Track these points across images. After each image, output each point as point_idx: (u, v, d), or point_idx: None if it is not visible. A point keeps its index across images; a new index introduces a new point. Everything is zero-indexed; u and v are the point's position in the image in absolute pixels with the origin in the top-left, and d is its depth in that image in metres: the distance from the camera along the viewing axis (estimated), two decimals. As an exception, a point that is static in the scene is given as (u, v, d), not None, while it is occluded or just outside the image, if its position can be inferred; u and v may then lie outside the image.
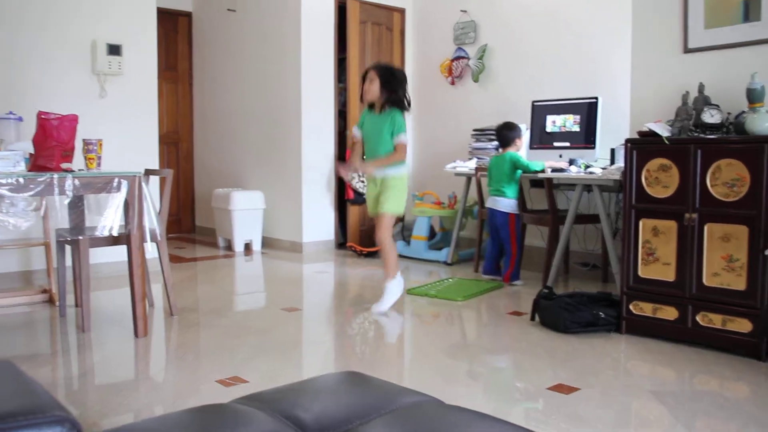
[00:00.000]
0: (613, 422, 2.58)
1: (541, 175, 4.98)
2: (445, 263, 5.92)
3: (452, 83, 6.73)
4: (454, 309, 4.46)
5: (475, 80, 6.49)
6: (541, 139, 5.45)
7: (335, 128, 6.64)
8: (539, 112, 5.59)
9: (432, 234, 6.27)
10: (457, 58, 6.63)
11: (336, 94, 6.63)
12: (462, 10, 6.57)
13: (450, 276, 5.43)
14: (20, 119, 3.87)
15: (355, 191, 6.42)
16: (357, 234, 6.65)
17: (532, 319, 4.01)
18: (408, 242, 6.28)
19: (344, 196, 6.57)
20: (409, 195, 6.98)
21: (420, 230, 6.18)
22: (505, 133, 5.24)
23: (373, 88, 4.22)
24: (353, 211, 6.63)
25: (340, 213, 6.72)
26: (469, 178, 5.85)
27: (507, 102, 6.17)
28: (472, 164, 5.84)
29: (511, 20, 6.20)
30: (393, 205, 4.27)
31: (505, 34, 6.27)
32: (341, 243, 6.72)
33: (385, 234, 4.29)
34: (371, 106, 4.33)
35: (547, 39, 5.92)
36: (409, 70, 7.12)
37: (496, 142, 5.83)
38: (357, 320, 4.29)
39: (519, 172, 5.11)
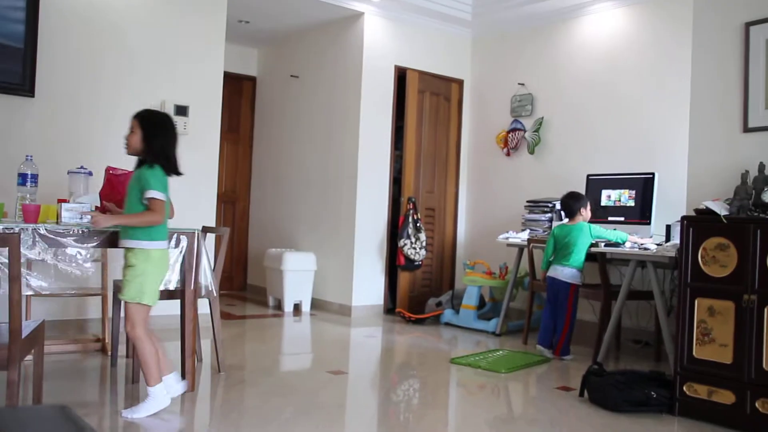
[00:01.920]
0: None
1: (594, 249, 4.92)
2: (494, 334, 5.85)
3: (507, 154, 6.78)
4: (500, 381, 4.38)
5: (531, 152, 6.52)
6: (596, 214, 5.40)
7: (389, 194, 6.72)
8: (594, 185, 5.57)
9: (482, 304, 6.22)
10: (513, 130, 6.69)
11: (392, 160, 6.72)
12: (520, 83, 6.65)
13: (498, 347, 5.36)
14: (90, 173, 4.03)
15: (407, 257, 6.44)
16: (406, 300, 6.64)
17: (581, 395, 3.91)
18: (457, 311, 6.24)
19: (395, 262, 6.59)
20: (459, 264, 7.03)
21: (470, 299, 6.14)
22: (571, 203, 5.12)
23: (134, 140, 3.38)
24: (403, 277, 6.64)
25: (391, 278, 6.73)
26: (521, 249, 5.82)
27: (562, 175, 6.18)
28: (525, 235, 5.82)
29: (569, 93, 6.26)
30: (132, 290, 3.25)
31: (562, 107, 6.32)
32: (390, 308, 6.71)
33: (132, 329, 3.30)
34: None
35: (605, 113, 5.95)
36: (466, 140, 7.21)
37: (549, 215, 5.82)
38: (402, 387, 4.25)
39: (589, 243, 5.00)
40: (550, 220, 5.82)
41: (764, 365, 3.32)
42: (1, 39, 4.91)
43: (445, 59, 7.05)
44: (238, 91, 7.89)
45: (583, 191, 5.57)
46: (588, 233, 4.97)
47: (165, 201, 3.29)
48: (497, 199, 6.88)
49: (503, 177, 6.85)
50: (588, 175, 5.67)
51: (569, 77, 6.27)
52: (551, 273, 5.12)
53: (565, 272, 5.02)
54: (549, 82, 6.45)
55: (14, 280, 2.40)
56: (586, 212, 5.12)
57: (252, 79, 8.07)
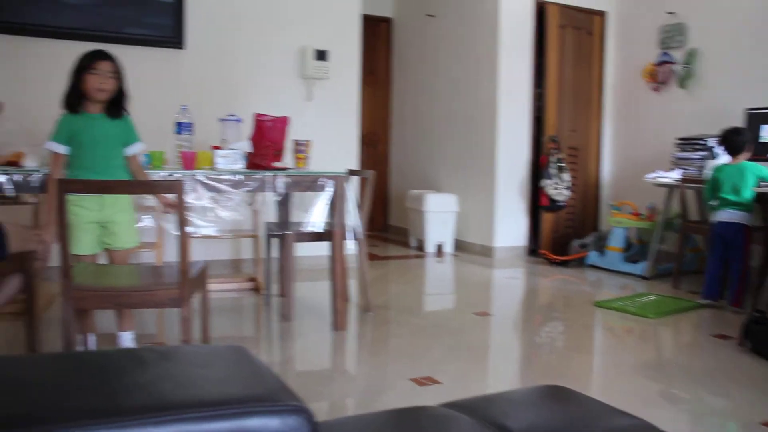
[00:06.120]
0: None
1: (757, 189, 4.58)
2: (642, 277, 5.66)
3: (655, 89, 6.42)
4: (649, 326, 4.24)
5: (682, 86, 6.14)
6: (756, 150, 5.02)
7: (531, 133, 6.56)
8: (754, 120, 5.19)
9: (628, 246, 6.01)
10: (662, 63, 6.31)
11: (533, 99, 6.54)
12: (669, 12, 6.24)
13: (646, 291, 5.19)
14: (239, 120, 4.18)
15: (550, 198, 6.30)
16: (549, 241, 6.53)
17: (741, 344, 3.72)
18: (602, 253, 6.07)
19: (537, 203, 6.47)
20: (604, 204, 6.81)
21: (616, 241, 5.95)
22: (736, 139, 4.67)
23: (114, 85, 3.10)
24: (546, 218, 6.52)
25: (533, 219, 6.63)
26: (671, 189, 5.55)
27: (717, 110, 5.78)
28: (676, 175, 5.53)
29: (725, 21, 5.80)
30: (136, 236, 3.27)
31: (718, 36, 5.88)
32: (532, 250, 6.63)
33: None
34: (76, 107, 3.11)
35: (765, 40, 5.48)
36: (609, 76, 6.89)
37: (703, 152, 5.49)
38: (547, 330, 4.22)
39: (754, 183, 4.58)
40: (703, 159, 5.50)
41: None
42: (153, -6, 5.14)
43: (587, -10, 6.72)
44: (374, 33, 7.88)
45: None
46: (755, 172, 4.58)
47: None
48: (644, 137, 6.56)
49: (650, 113, 6.51)
50: (747, 109, 5.28)
51: (725, 2, 5.80)
52: (721, 217, 4.66)
53: (738, 215, 4.59)
54: (702, 10, 5.99)
55: (182, 223, 2.55)
56: (751, 148, 4.71)
57: (387, 21, 8.04)
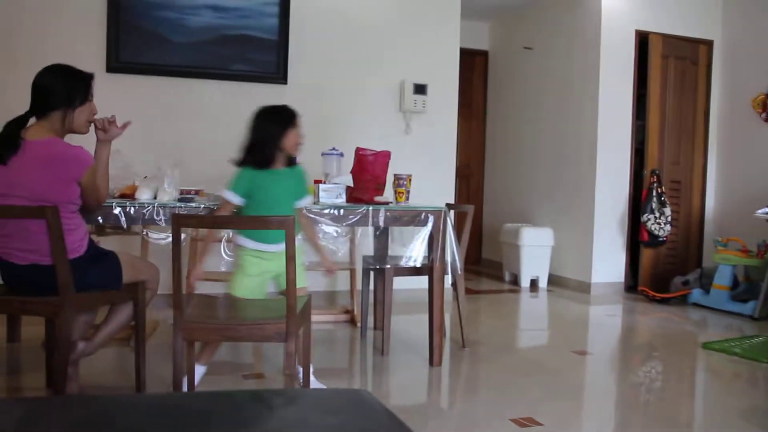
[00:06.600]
0: None
1: None
2: (751, 317, 5.40)
3: (766, 120, 6.17)
4: (760, 370, 4.04)
5: (794, 117, 5.89)
6: None
7: (631, 167, 6.40)
8: None
9: (736, 284, 5.76)
10: (773, 93, 6.07)
11: (633, 131, 6.40)
12: (781, 41, 6.01)
13: (756, 333, 4.95)
14: (341, 155, 4.25)
15: (650, 233, 6.11)
16: (649, 278, 6.32)
17: None
18: (707, 291, 5.84)
19: (637, 237, 6.30)
20: (708, 240, 6.55)
21: (722, 279, 5.71)
22: None
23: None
24: (646, 254, 6.33)
25: (632, 255, 6.45)
26: (783, 225, 5.31)
27: (833, 142, 5.51)
28: (788, 210, 5.29)
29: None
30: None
31: (834, 67, 5.62)
32: (631, 286, 6.44)
33: None
34: (264, 162, 3.14)
35: None
36: (715, 107, 6.66)
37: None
38: (649, 371, 4.08)
39: None
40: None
41: None
42: (259, 33, 5.35)
43: (691, 19, 6.53)
44: (471, 66, 7.91)
45: None
46: None
47: None
48: (753, 169, 6.30)
49: (760, 145, 6.25)
50: None
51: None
52: None
53: None
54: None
55: (290, 258, 2.60)
56: None
57: (484, 54, 8.05)
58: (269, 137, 3.11)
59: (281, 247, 2.68)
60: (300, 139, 3.17)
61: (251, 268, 3.16)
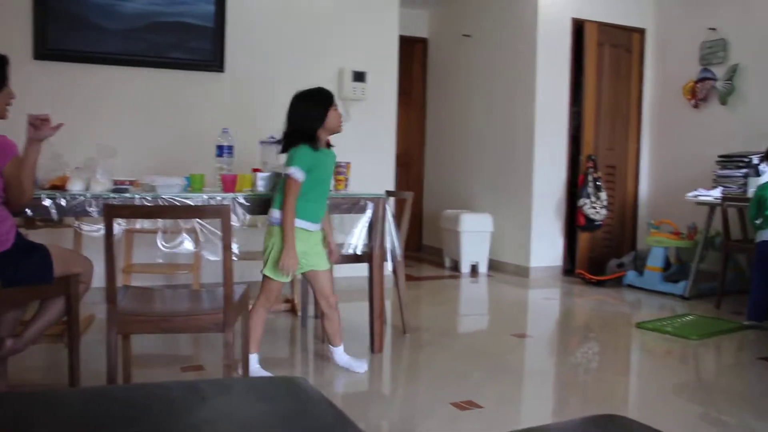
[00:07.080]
0: None
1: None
2: (682, 297, 5.57)
3: (695, 106, 6.36)
4: (690, 347, 4.18)
5: (723, 103, 6.08)
6: (800, 169, 4.96)
7: (568, 153, 6.52)
8: (798, 138, 5.11)
9: (668, 265, 5.93)
10: (702, 80, 6.25)
11: (570, 118, 6.51)
12: (710, 28, 6.18)
13: (687, 311, 5.11)
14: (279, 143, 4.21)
15: (587, 217, 6.24)
16: (586, 261, 6.46)
17: (788, 367, 3.65)
18: (641, 273, 6.00)
19: (574, 222, 6.42)
20: (642, 223, 6.72)
21: (655, 261, 5.88)
22: None
23: None
24: (583, 238, 6.46)
25: (569, 239, 6.58)
26: (712, 207, 5.47)
27: (760, 126, 5.71)
28: (716, 193, 5.46)
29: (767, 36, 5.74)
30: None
31: (761, 52, 5.80)
32: (569, 270, 6.57)
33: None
34: (315, 141, 3.30)
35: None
36: (648, 94, 6.84)
37: (745, 170, 5.42)
38: (586, 351, 4.18)
39: None
40: (746, 176, 5.42)
41: None
42: (194, 20, 5.24)
43: (625, 8, 6.67)
44: (410, 54, 7.91)
45: (785, 145, 5.13)
46: None
47: None
48: (683, 154, 6.49)
49: (690, 131, 6.44)
50: (790, 127, 5.21)
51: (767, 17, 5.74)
52: (766, 236, 4.59)
53: None
54: (745, 24, 5.94)
55: (226, 248, 2.57)
56: None
57: (423, 41, 8.07)
58: (313, 119, 3.27)
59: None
60: (342, 119, 3.38)
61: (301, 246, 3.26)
